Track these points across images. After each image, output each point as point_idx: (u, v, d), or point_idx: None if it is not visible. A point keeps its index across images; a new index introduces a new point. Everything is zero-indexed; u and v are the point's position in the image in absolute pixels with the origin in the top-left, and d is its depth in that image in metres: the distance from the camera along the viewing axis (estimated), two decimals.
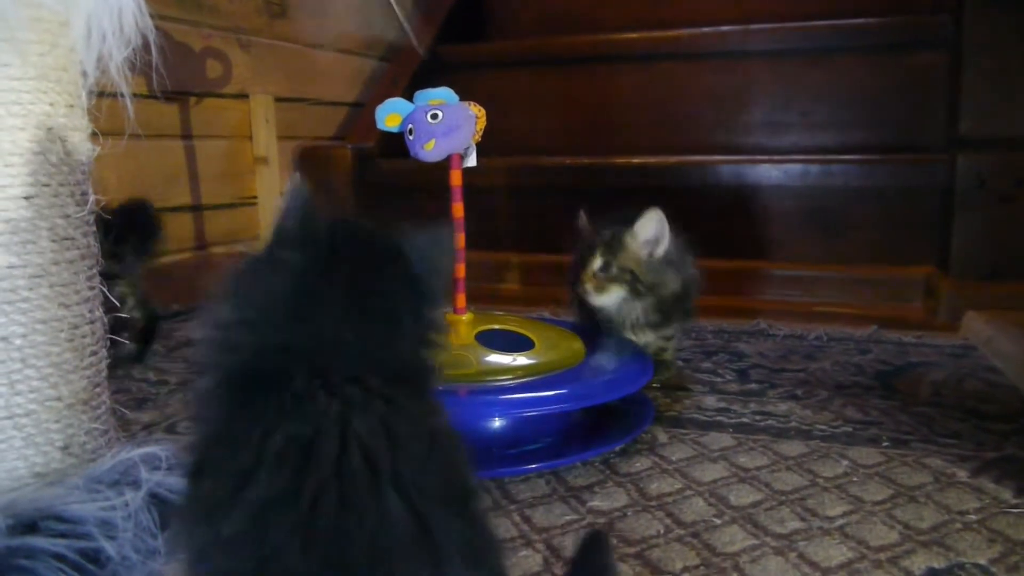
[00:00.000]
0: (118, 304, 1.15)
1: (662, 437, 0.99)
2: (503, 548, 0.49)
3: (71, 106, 0.77)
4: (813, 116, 2.02)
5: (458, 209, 1.01)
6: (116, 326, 1.04)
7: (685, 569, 0.69)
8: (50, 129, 0.75)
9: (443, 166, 1.00)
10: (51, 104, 0.75)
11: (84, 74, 0.78)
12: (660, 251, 1.15)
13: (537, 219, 1.97)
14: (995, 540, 0.73)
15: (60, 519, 0.67)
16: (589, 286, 1.15)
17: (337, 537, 0.40)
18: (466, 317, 1.01)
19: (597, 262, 1.15)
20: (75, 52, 0.76)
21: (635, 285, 1.14)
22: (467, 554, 0.43)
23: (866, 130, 1.96)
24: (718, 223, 1.83)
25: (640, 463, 0.91)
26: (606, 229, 1.17)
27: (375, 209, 2.09)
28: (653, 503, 0.81)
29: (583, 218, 1.24)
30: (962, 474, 0.87)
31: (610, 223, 1.18)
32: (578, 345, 1.04)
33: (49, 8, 0.72)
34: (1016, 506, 0.79)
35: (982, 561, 0.69)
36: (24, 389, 0.73)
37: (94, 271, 0.81)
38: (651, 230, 1.14)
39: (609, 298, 1.15)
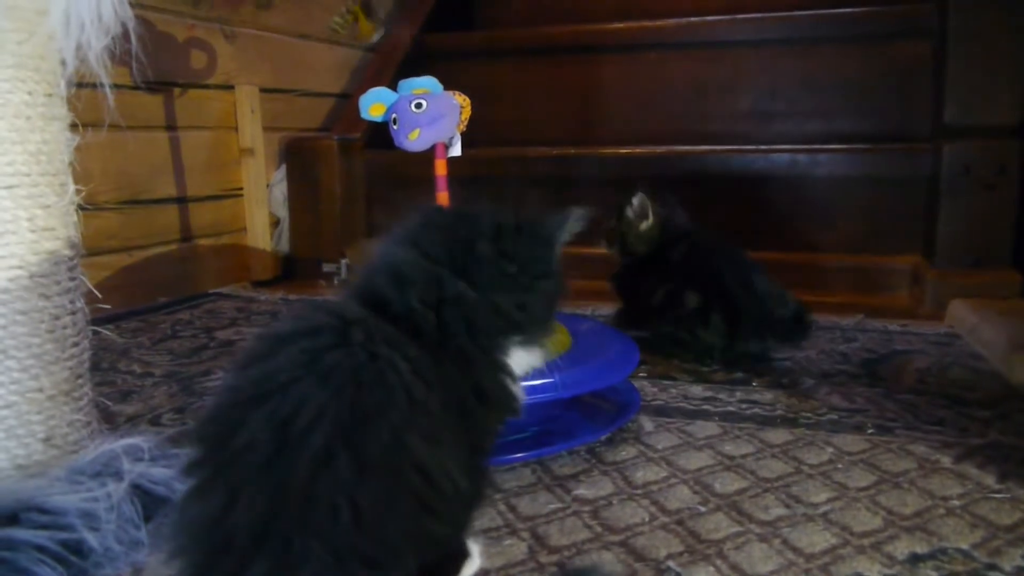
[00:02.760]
0: None
1: (648, 426, 0.99)
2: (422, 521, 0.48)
3: (50, 95, 0.77)
4: (799, 105, 2.02)
5: (443, 199, 1.00)
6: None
7: (669, 556, 0.69)
8: (28, 118, 0.74)
9: (429, 156, 1.00)
10: (29, 93, 0.74)
11: (63, 63, 0.78)
12: (644, 226, 1.39)
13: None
14: (978, 525, 0.73)
15: (42, 511, 0.67)
16: (604, 240, 1.44)
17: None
18: None
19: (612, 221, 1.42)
20: (53, 41, 0.75)
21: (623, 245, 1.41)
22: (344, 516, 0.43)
23: (852, 119, 1.97)
24: (705, 213, 1.82)
25: (626, 452, 0.91)
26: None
27: (362, 201, 2.08)
28: (638, 491, 0.81)
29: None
30: (946, 460, 0.87)
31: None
32: (564, 334, 1.03)
33: None
34: (999, 491, 0.79)
35: (964, 546, 0.69)
36: (5, 380, 0.73)
37: (75, 261, 0.80)
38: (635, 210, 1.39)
39: (608, 248, 1.44)
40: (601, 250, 1.44)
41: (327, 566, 0.43)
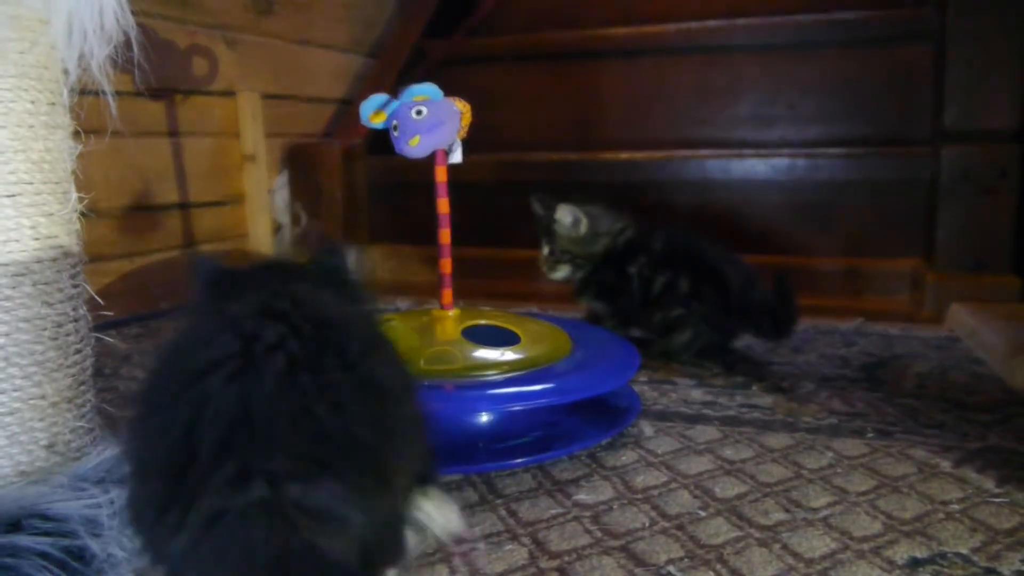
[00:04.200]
0: None
1: (648, 430, 0.99)
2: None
3: (52, 104, 0.77)
4: (800, 110, 2.03)
5: (443, 205, 1.01)
6: None
7: (670, 561, 0.69)
8: (31, 127, 0.74)
9: (431, 162, 1.00)
10: (32, 102, 0.74)
11: (65, 72, 0.78)
12: (582, 229, 1.39)
13: (524, 215, 1.97)
14: (977, 529, 0.73)
15: (45, 517, 0.67)
16: (545, 268, 1.43)
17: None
18: (452, 313, 1.02)
19: (545, 249, 1.42)
20: (56, 50, 0.76)
21: (575, 260, 1.41)
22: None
23: (852, 123, 1.97)
24: (705, 217, 1.83)
25: (626, 456, 0.91)
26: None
27: (364, 207, 2.09)
28: (639, 496, 0.81)
29: (536, 204, 1.45)
30: (945, 464, 0.87)
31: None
32: (564, 339, 1.04)
33: (28, 6, 0.72)
34: (998, 495, 0.80)
35: (964, 550, 0.70)
36: (8, 388, 0.73)
37: (78, 268, 0.81)
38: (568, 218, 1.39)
39: (561, 273, 1.42)
40: None
41: (288, 471, 0.44)
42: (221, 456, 0.43)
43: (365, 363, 0.50)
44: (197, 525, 0.42)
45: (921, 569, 0.67)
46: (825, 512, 0.77)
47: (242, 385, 0.45)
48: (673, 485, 0.84)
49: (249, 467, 0.43)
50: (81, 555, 0.66)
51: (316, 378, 0.47)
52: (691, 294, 1.29)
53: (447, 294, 1.02)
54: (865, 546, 0.71)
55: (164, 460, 0.45)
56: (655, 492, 0.82)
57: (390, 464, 0.49)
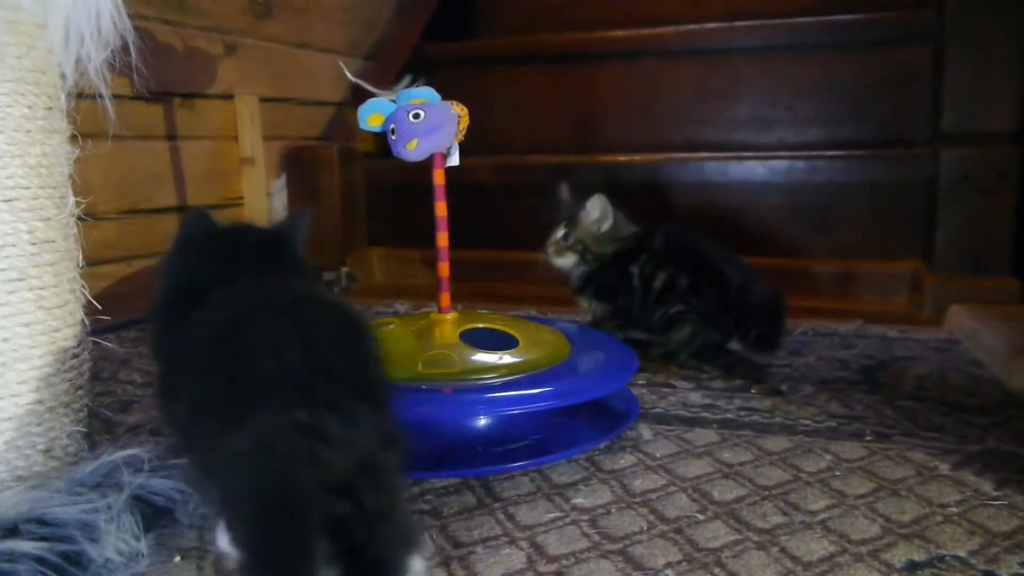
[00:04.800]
0: None
1: (647, 434, 0.99)
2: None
3: (50, 108, 0.77)
4: (799, 112, 2.03)
5: (441, 208, 1.01)
6: None
7: (668, 565, 0.69)
8: (28, 132, 0.74)
9: (429, 165, 1.00)
10: (29, 107, 0.75)
11: (63, 76, 0.78)
12: (605, 227, 1.38)
13: (523, 217, 1.97)
14: (975, 532, 0.73)
15: (42, 522, 0.67)
16: (551, 250, 1.41)
17: None
18: (451, 316, 1.02)
19: (560, 232, 1.40)
20: (53, 54, 0.76)
21: (585, 255, 1.39)
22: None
23: (852, 125, 1.97)
24: (705, 219, 1.83)
25: (624, 460, 0.91)
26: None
27: (362, 209, 2.09)
28: (637, 500, 0.81)
29: (565, 191, 1.46)
30: (944, 467, 0.87)
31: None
32: (562, 343, 1.04)
33: (26, 10, 0.72)
34: (996, 498, 0.80)
35: (962, 553, 0.70)
36: (5, 393, 0.73)
37: (75, 273, 0.81)
38: (597, 211, 1.38)
39: (565, 261, 1.41)
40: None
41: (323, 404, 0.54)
42: (285, 386, 0.53)
43: (354, 326, 0.63)
44: (249, 432, 0.51)
45: (919, 572, 0.67)
46: (823, 515, 0.77)
47: (304, 341, 0.56)
48: (671, 488, 0.84)
49: (301, 396, 0.53)
50: (78, 560, 0.66)
51: (341, 338, 0.60)
52: (690, 291, 1.29)
53: (445, 298, 1.02)
54: (863, 549, 0.71)
55: (247, 383, 0.54)
56: (653, 496, 0.82)
57: (382, 398, 0.60)
